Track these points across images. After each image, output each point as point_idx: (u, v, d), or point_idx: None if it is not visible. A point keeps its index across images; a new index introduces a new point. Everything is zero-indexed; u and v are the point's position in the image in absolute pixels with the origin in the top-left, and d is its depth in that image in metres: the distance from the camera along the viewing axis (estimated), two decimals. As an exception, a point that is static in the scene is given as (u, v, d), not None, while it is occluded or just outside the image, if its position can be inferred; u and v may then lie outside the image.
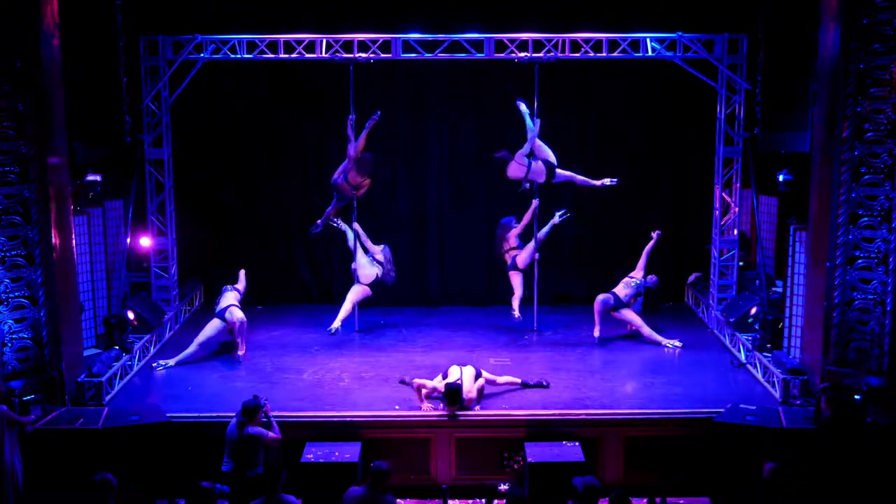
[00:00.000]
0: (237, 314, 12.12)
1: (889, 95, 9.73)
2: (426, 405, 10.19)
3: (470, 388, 10.18)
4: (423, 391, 10.25)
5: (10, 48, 9.74)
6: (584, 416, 10.07)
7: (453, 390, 9.99)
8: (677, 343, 12.49)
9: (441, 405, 10.17)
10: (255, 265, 14.79)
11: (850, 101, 9.85)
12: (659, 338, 12.54)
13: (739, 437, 9.47)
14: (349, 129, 12.85)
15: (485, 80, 14.32)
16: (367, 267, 13.07)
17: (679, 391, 10.81)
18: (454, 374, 10.35)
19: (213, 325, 12.10)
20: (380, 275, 13.05)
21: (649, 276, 12.96)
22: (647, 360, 11.95)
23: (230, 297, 12.44)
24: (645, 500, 7.98)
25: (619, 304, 12.62)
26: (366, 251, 13.13)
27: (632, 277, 12.84)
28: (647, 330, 12.59)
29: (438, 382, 10.28)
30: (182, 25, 13.09)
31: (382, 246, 13.21)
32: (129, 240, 13.46)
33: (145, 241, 13.60)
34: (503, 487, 8.37)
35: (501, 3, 13.88)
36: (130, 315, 12.49)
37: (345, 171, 12.88)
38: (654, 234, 12.93)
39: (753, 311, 12.52)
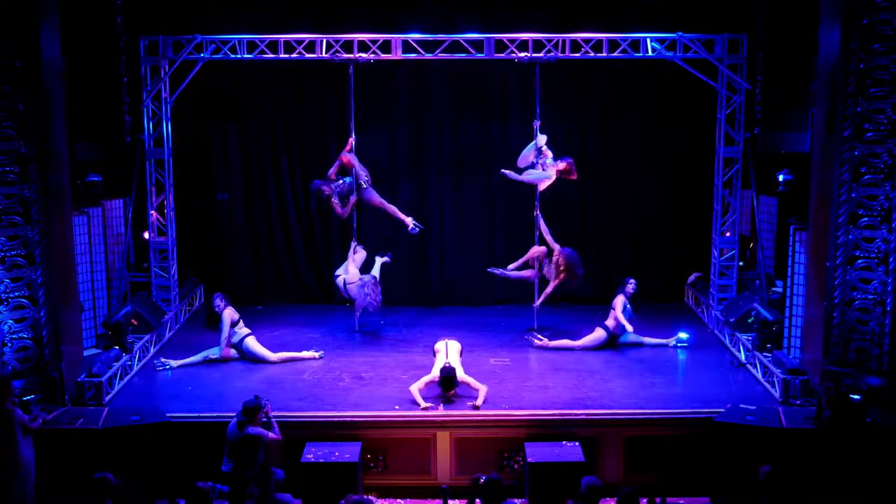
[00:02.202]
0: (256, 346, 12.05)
1: (889, 95, 9.73)
2: (424, 404, 10.21)
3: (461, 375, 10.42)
4: (420, 390, 10.34)
5: (10, 48, 9.73)
6: (584, 416, 10.07)
7: (447, 377, 10.29)
8: (682, 335, 12.48)
9: (440, 406, 10.25)
10: (255, 265, 14.84)
11: (850, 101, 9.84)
12: (661, 340, 12.50)
13: (739, 437, 9.47)
14: (346, 153, 12.82)
15: (485, 80, 14.33)
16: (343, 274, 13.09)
17: (679, 391, 10.82)
18: (440, 350, 10.76)
19: (228, 353, 11.97)
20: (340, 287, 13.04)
21: (627, 282, 12.61)
22: (648, 360, 11.94)
23: (246, 332, 12.15)
24: (645, 501, 7.97)
25: (614, 336, 12.48)
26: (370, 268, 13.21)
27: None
28: (646, 340, 12.57)
29: (433, 374, 10.46)
30: (182, 25, 13.09)
31: (370, 277, 12.97)
32: (129, 239, 13.50)
33: (146, 235, 13.62)
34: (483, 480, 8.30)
35: (501, 3, 13.89)
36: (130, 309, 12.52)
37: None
38: (630, 283, 12.52)
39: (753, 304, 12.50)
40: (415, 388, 10.37)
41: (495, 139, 14.37)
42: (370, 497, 9.41)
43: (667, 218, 14.71)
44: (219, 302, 12.16)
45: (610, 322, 12.42)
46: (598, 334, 12.43)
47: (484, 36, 12.57)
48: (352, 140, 12.82)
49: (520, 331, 13.20)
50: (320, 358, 12.04)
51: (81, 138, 12.38)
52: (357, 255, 13.19)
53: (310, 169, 14.55)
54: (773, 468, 8.09)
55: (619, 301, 12.46)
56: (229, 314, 12.05)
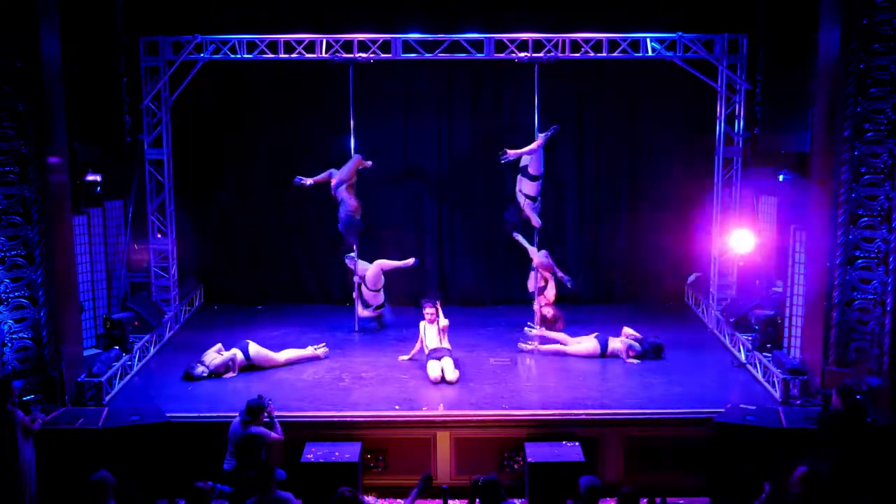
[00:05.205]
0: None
1: (889, 95, 9.74)
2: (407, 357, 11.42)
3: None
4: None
5: (10, 48, 9.73)
6: (584, 416, 10.07)
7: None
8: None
9: (440, 406, 10.31)
10: (255, 265, 14.84)
11: (850, 101, 9.85)
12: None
13: (739, 437, 9.47)
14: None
15: (485, 80, 14.33)
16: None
17: (679, 391, 10.81)
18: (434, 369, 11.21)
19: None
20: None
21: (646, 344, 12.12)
22: (648, 361, 11.93)
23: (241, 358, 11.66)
24: (645, 501, 7.96)
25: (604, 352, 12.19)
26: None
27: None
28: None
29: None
30: (182, 25, 13.09)
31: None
32: (129, 239, 13.49)
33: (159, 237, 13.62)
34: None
35: (501, 3, 13.88)
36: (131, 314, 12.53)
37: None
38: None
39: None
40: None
41: (495, 139, 14.34)
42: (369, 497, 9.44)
43: (667, 218, 14.70)
44: (199, 369, 11.33)
45: (611, 348, 11.99)
46: (594, 349, 12.11)
47: (484, 36, 12.58)
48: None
49: (520, 330, 13.19)
50: (325, 354, 12.06)
51: (81, 138, 12.37)
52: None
53: (309, 169, 14.55)
54: (809, 469, 7.97)
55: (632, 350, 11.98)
56: (223, 364, 11.40)
